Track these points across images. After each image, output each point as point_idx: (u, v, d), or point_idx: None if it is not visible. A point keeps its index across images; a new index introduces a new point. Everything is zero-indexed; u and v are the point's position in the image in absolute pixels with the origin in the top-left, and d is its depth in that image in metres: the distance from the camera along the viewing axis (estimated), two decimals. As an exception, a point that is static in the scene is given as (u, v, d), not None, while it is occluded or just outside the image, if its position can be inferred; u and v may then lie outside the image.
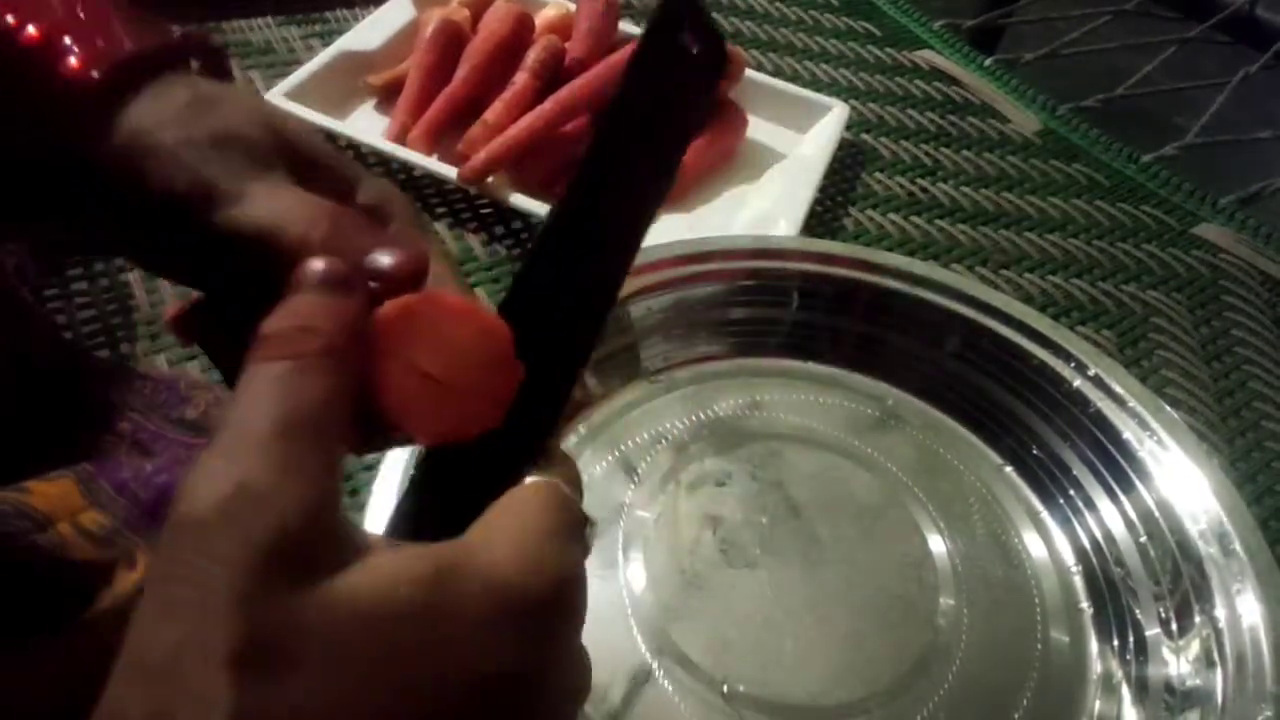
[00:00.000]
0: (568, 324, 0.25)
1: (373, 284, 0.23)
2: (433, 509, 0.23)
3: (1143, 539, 0.46)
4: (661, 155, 0.25)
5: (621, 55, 0.65)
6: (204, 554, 0.18)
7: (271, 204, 0.26)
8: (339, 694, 0.18)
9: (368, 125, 0.65)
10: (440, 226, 0.61)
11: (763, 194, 0.65)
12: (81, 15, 0.28)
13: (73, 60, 0.27)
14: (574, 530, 0.23)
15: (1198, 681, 0.41)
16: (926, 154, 0.72)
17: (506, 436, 0.23)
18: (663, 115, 0.25)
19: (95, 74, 0.26)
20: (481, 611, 0.20)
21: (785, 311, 0.54)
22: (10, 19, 0.27)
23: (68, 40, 0.27)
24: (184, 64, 0.29)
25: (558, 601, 0.22)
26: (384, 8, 0.72)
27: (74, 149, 0.26)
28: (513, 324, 0.23)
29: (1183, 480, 0.45)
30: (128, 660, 0.18)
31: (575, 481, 0.25)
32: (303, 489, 0.19)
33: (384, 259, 0.24)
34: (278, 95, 0.62)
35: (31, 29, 0.27)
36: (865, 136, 0.73)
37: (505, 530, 0.22)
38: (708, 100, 0.26)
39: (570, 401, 0.25)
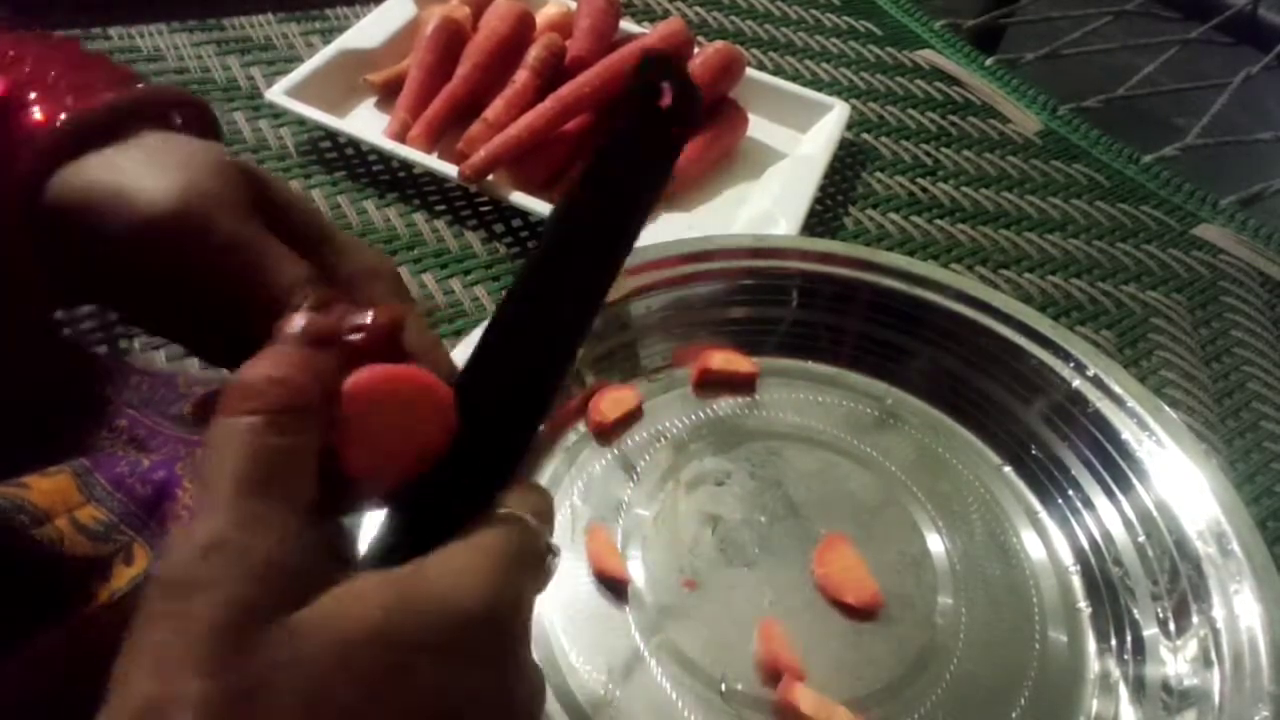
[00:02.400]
0: (531, 376, 0.26)
1: (352, 338, 0.25)
2: (403, 540, 0.24)
3: (1141, 539, 0.45)
4: (631, 210, 0.26)
5: (621, 54, 0.65)
6: (179, 612, 0.19)
7: (260, 257, 0.27)
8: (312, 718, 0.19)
9: (368, 123, 0.65)
10: (440, 224, 0.61)
11: (763, 193, 0.65)
12: (53, 74, 0.28)
13: (36, 114, 0.27)
14: (531, 558, 0.24)
15: (1195, 681, 0.41)
16: (927, 154, 0.72)
17: (470, 477, 0.25)
18: (636, 174, 0.26)
19: (58, 125, 0.27)
20: (439, 634, 0.21)
21: (785, 310, 0.54)
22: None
23: (33, 95, 0.27)
24: (163, 119, 0.30)
25: (510, 623, 0.23)
26: (385, 5, 0.72)
27: (24, 196, 0.26)
28: (479, 374, 0.25)
29: (1181, 480, 0.45)
30: (112, 713, 0.19)
31: (542, 513, 0.26)
32: (268, 541, 0.20)
33: (360, 318, 0.25)
34: (278, 93, 0.62)
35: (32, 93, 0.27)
36: (866, 136, 0.73)
37: (462, 557, 0.23)
38: (677, 152, 0.27)
39: (531, 447, 0.27)
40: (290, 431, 0.21)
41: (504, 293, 0.26)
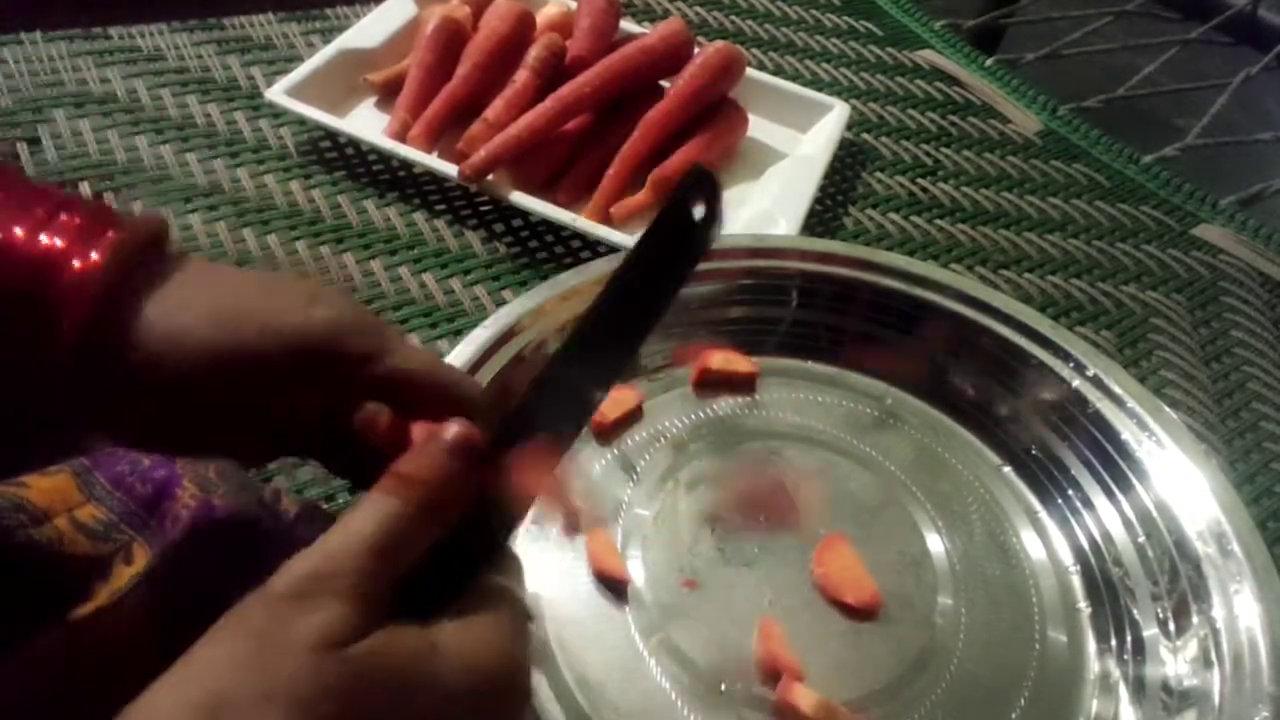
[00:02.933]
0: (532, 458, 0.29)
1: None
2: (419, 590, 0.27)
3: (1141, 539, 0.45)
4: (650, 314, 0.30)
5: (622, 54, 0.65)
6: (266, 621, 0.23)
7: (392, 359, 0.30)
8: None
9: (368, 123, 0.65)
10: (440, 224, 0.61)
11: (763, 193, 0.65)
12: (64, 217, 0.28)
13: (75, 261, 0.27)
14: (525, 624, 0.28)
15: (1195, 681, 0.41)
16: (927, 154, 0.72)
17: (474, 542, 0.28)
18: (661, 282, 0.30)
19: (100, 265, 0.27)
20: (460, 685, 0.25)
21: (785, 310, 0.54)
22: (18, 231, 0.27)
23: (60, 243, 0.27)
24: (165, 241, 0.30)
25: (515, 681, 0.27)
26: (385, 5, 0.72)
27: (96, 344, 0.27)
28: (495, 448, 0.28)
29: (1181, 481, 0.45)
30: (196, 695, 0.22)
31: (520, 578, 0.29)
32: (370, 591, 0.24)
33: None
34: (278, 92, 0.62)
35: (42, 238, 0.27)
36: (866, 136, 0.73)
37: (478, 622, 0.26)
38: (696, 263, 0.30)
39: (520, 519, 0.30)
40: (421, 523, 0.26)
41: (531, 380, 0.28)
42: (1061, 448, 0.49)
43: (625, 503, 0.47)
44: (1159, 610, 0.44)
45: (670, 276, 0.30)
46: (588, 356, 0.28)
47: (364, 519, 0.25)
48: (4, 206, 0.27)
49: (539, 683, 0.41)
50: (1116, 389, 0.48)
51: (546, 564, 0.44)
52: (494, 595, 0.27)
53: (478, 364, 0.45)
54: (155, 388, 0.28)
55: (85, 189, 0.59)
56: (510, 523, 0.29)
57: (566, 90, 0.63)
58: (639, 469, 0.48)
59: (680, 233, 0.29)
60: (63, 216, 0.27)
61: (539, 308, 0.48)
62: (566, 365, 0.28)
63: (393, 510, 0.25)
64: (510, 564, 0.29)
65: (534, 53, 0.65)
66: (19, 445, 0.36)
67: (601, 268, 0.51)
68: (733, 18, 0.83)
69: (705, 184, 0.28)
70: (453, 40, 0.66)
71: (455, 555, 0.27)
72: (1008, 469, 0.50)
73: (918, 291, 0.53)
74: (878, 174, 0.70)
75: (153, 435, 0.30)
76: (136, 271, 0.28)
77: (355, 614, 0.24)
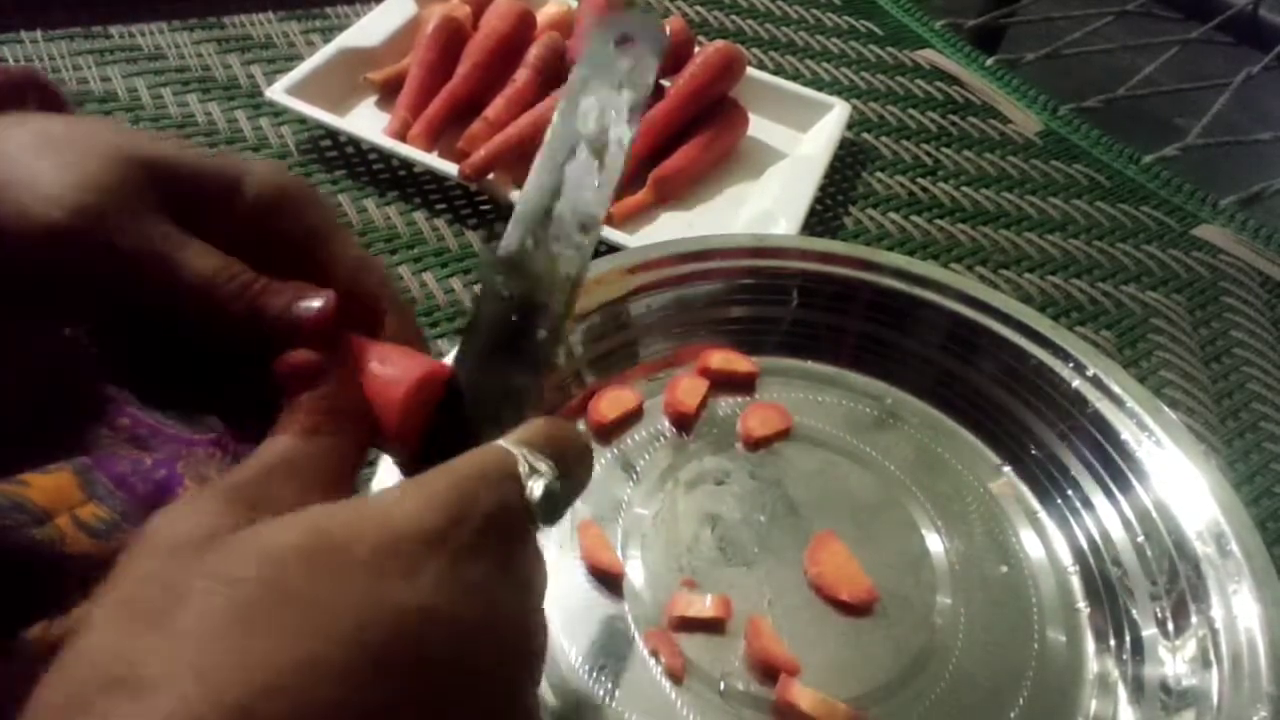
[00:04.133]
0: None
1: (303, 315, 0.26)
2: None
3: (1140, 539, 0.46)
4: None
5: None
6: (161, 525, 0.22)
7: (167, 259, 0.25)
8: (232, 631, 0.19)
9: (368, 122, 0.65)
10: (440, 223, 0.61)
11: (763, 192, 0.65)
12: None
13: None
14: (501, 478, 0.24)
15: (1194, 681, 0.41)
16: (927, 154, 0.72)
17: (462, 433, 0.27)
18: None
19: None
20: (367, 548, 0.21)
21: (785, 310, 0.54)
22: None
23: None
24: (18, 103, 0.27)
25: (456, 535, 0.22)
26: (385, 4, 0.72)
27: None
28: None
29: (1180, 481, 0.45)
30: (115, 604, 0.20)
31: (536, 440, 0.25)
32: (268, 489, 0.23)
33: (307, 308, 0.26)
34: (278, 91, 0.62)
35: None
36: (866, 136, 0.73)
37: (424, 480, 0.23)
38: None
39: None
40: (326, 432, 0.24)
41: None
42: (1061, 448, 0.49)
43: (625, 502, 0.47)
44: (1158, 610, 0.44)
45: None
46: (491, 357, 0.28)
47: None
48: None
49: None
50: (1116, 389, 0.48)
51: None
52: (467, 457, 0.25)
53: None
54: None
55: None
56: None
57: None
58: (639, 468, 0.48)
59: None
60: None
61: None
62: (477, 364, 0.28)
63: (287, 440, 0.24)
64: (527, 428, 0.26)
65: (535, 52, 0.65)
66: (20, 443, 0.36)
67: (602, 266, 0.51)
68: (733, 17, 0.83)
69: None
70: (453, 39, 0.66)
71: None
72: (1008, 469, 0.50)
73: (918, 291, 0.53)
74: (878, 174, 0.70)
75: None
76: None
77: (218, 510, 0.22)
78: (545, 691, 0.40)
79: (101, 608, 0.20)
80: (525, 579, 0.24)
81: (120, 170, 0.25)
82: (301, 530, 0.21)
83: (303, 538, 0.20)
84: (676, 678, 0.41)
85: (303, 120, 0.63)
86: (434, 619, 0.21)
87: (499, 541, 0.23)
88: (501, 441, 0.25)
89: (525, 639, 0.24)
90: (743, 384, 0.52)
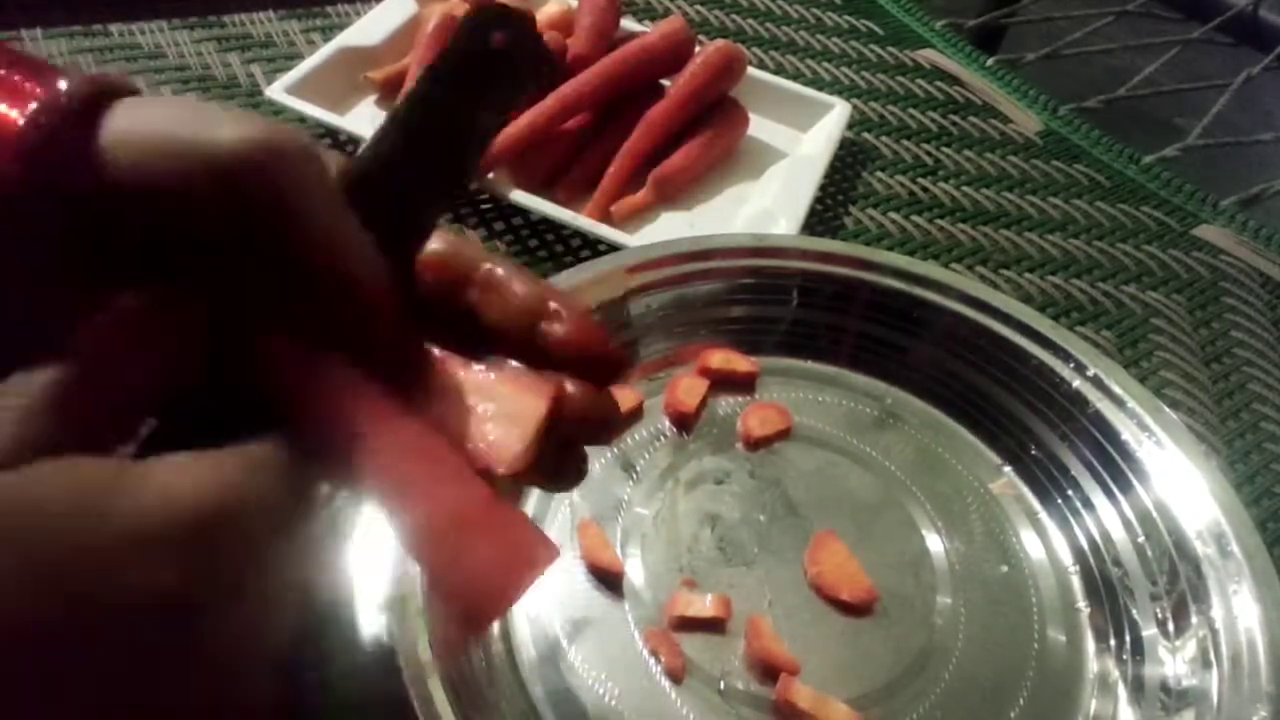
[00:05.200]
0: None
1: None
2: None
3: (1140, 539, 0.45)
4: (455, 149, 0.26)
5: (623, 53, 0.65)
6: None
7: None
8: None
9: (368, 121, 0.65)
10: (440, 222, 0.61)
11: (763, 192, 0.65)
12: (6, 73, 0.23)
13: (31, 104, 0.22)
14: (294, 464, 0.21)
15: (1194, 682, 0.41)
16: (927, 153, 0.72)
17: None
18: (463, 110, 0.25)
19: (64, 100, 0.22)
20: (129, 521, 0.18)
21: (785, 310, 0.54)
22: None
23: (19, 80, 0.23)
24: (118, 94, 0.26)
25: (225, 516, 0.20)
26: (385, 2, 0.72)
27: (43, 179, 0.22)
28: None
29: (1181, 481, 0.45)
30: None
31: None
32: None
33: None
34: (278, 90, 0.62)
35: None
36: (866, 135, 0.73)
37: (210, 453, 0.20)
38: (512, 102, 0.26)
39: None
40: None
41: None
42: (1061, 448, 0.49)
43: (625, 501, 0.47)
44: (1158, 610, 0.44)
45: (467, 106, 0.25)
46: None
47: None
48: None
49: (533, 682, 0.41)
50: (1116, 389, 0.48)
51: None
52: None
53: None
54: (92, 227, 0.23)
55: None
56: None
57: (567, 88, 0.63)
58: (639, 468, 0.48)
59: (474, 64, 0.24)
60: (6, 73, 0.23)
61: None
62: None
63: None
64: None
65: (535, 51, 0.65)
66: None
67: (603, 266, 0.51)
68: (733, 16, 0.83)
69: (501, 21, 0.24)
70: (453, 38, 0.66)
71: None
72: (1008, 469, 0.50)
73: (918, 291, 0.53)
74: (878, 173, 0.70)
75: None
76: (74, 119, 0.23)
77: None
78: (540, 692, 0.40)
79: None
80: (269, 554, 0.22)
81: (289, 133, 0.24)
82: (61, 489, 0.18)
83: (56, 500, 0.18)
84: (676, 677, 0.41)
85: (302, 119, 0.63)
86: (197, 608, 0.20)
87: (257, 516, 0.21)
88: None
89: (280, 627, 0.23)
90: (743, 384, 0.52)
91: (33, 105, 0.22)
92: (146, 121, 0.23)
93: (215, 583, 0.19)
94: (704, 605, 0.43)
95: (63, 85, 0.23)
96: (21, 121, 0.22)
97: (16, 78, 0.23)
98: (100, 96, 0.23)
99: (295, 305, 0.23)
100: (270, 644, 0.22)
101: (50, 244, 0.23)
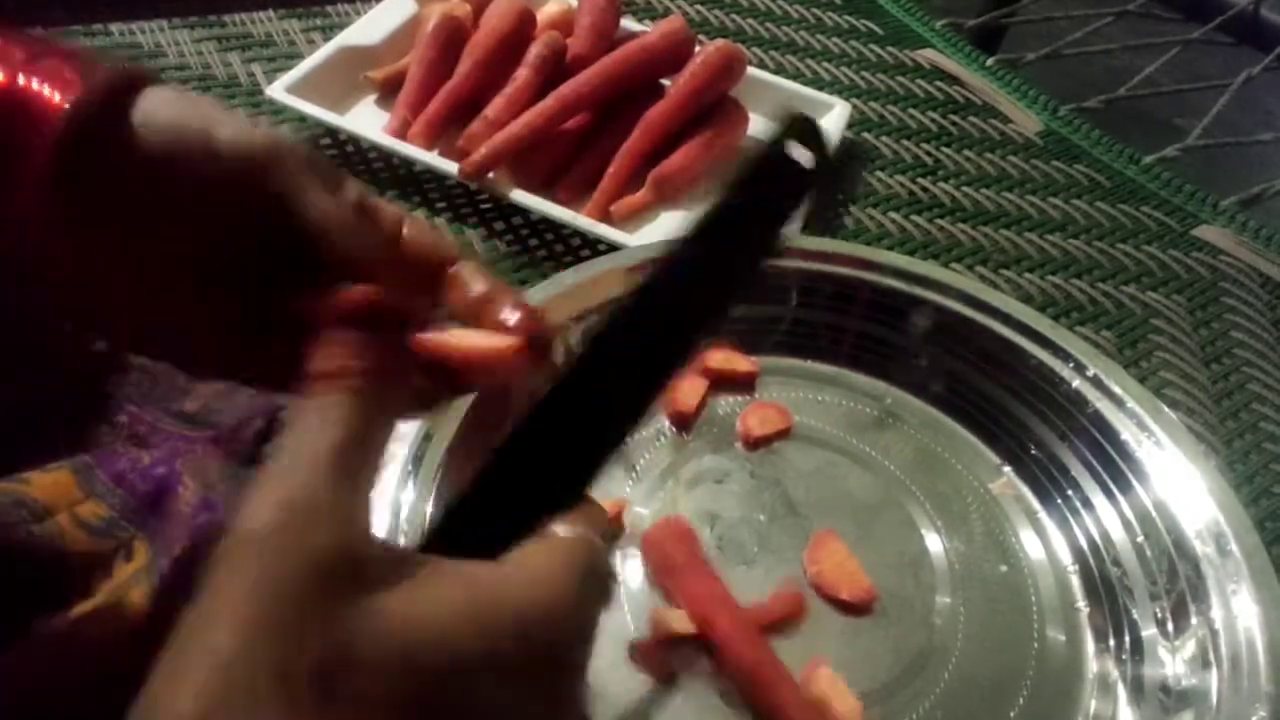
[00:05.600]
0: (625, 392, 0.27)
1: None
2: (469, 532, 0.24)
3: (1140, 539, 0.46)
4: (745, 257, 0.28)
5: (623, 52, 0.65)
6: (263, 566, 0.18)
7: (329, 212, 0.27)
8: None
9: (368, 120, 0.65)
10: (440, 222, 0.61)
11: (763, 192, 0.65)
12: (42, 61, 0.28)
13: (48, 92, 0.26)
14: (599, 578, 0.24)
15: (1193, 681, 0.41)
16: (927, 153, 0.72)
17: (549, 476, 0.25)
18: (757, 221, 0.28)
19: (85, 92, 0.26)
20: (509, 652, 0.20)
21: (785, 310, 0.54)
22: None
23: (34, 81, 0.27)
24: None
25: (578, 646, 0.23)
26: (385, 2, 0.72)
27: (69, 174, 0.25)
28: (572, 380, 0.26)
29: (1180, 481, 0.45)
30: (177, 659, 0.18)
31: (606, 534, 0.25)
32: (354, 504, 0.20)
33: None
34: (278, 89, 0.62)
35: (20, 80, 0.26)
36: (866, 135, 0.73)
37: (540, 566, 0.22)
38: (793, 217, 0.28)
39: (607, 463, 0.26)
40: (364, 404, 0.22)
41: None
42: (1061, 448, 0.49)
43: (625, 501, 0.47)
44: (1157, 610, 0.44)
45: (764, 221, 0.28)
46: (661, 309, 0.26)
47: (304, 427, 0.21)
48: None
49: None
50: (1116, 389, 0.48)
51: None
52: (558, 544, 0.23)
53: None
54: (118, 212, 0.26)
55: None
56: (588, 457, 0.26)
57: (567, 88, 0.63)
58: (639, 467, 0.48)
59: (777, 177, 0.27)
60: (41, 61, 0.27)
61: (539, 306, 0.48)
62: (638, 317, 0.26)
63: (330, 403, 0.21)
64: (592, 513, 0.25)
65: (535, 51, 0.65)
66: (21, 440, 0.36)
67: (602, 266, 0.51)
68: (733, 16, 0.83)
69: (808, 133, 0.26)
70: (453, 38, 0.66)
71: (519, 490, 0.24)
72: (1008, 469, 0.50)
73: (918, 291, 0.53)
74: (878, 173, 0.70)
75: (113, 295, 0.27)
76: (105, 109, 0.26)
77: (339, 548, 0.19)
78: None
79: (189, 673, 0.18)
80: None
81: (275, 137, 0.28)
82: (441, 624, 0.20)
83: (439, 637, 0.20)
84: (675, 678, 0.41)
85: (303, 118, 0.63)
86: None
87: (592, 643, 0.24)
88: (595, 539, 0.25)
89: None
90: (742, 383, 0.52)
91: (73, 93, 0.26)
92: (170, 106, 0.26)
93: (554, 695, 0.22)
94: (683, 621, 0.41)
95: (98, 75, 0.26)
96: (66, 106, 0.25)
97: (59, 66, 0.27)
98: (132, 85, 0.26)
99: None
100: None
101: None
